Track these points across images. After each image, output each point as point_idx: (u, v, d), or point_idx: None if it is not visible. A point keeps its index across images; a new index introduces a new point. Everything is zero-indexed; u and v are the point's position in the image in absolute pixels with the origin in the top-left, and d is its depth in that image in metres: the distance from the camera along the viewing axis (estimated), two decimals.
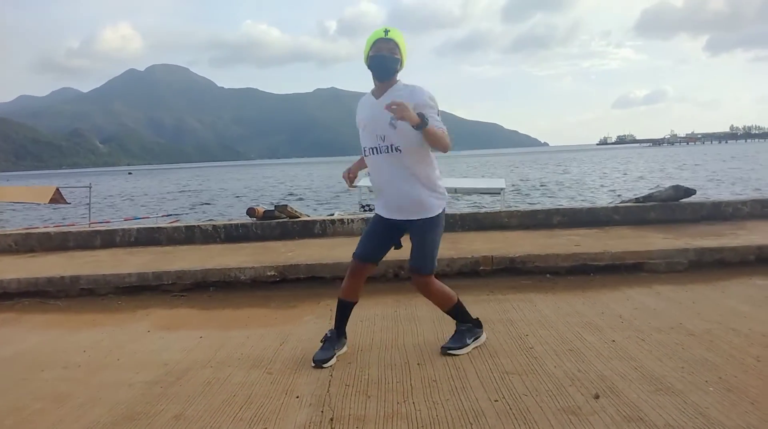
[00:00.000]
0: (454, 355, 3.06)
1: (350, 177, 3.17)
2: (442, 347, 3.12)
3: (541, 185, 32.87)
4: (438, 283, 3.09)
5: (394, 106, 2.66)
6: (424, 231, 2.97)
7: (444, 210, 3.04)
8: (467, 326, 3.19)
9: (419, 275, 2.99)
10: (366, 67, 2.95)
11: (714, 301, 3.82)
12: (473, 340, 3.16)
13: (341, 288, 3.17)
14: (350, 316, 3.21)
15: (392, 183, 2.96)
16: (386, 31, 2.88)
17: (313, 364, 3.00)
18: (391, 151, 2.90)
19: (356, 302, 3.20)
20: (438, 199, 3.00)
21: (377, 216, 3.13)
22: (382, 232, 3.09)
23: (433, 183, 2.99)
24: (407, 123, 2.71)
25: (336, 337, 3.15)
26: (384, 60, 2.87)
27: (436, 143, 2.83)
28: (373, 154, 2.96)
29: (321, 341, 3.15)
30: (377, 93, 2.97)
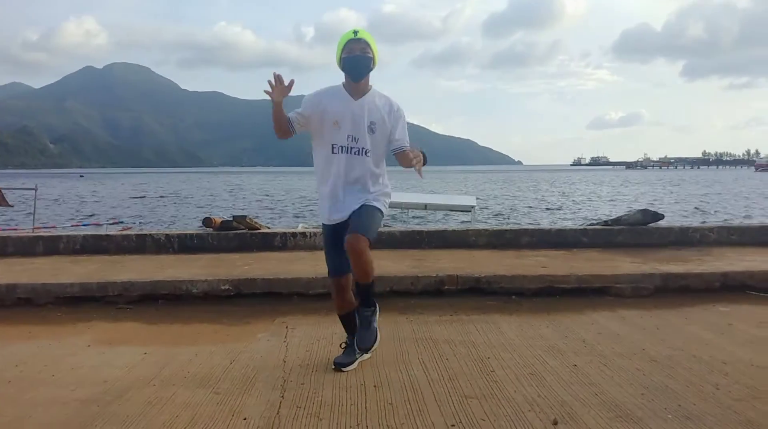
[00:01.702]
0: (373, 350, 3.24)
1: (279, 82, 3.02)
2: (359, 345, 3.20)
3: (511, 209, 33.39)
4: (370, 254, 3.06)
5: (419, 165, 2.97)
6: (371, 208, 3.11)
7: (383, 213, 3.21)
8: (371, 310, 3.24)
9: (361, 237, 2.97)
10: (340, 69, 3.11)
11: (677, 327, 3.93)
12: (376, 320, 3.27)
13: (335, 306, 3.32)
14: (306, 336, 3.25)
15: (355, 184, 3.12)
16: (355, 32, 3.05)
17: (333, 367, 3.16)
18: (360, 154, 3.10)
19: (355, 309, 3.28)
20: (385, 204, 3.22)
21: (326, 228, 3.22)
22: (335, 241, 3.15)
23: (384, 192, 3.22)
24: (383, 129, 3.09)
25: (350, 341, 3.29)
26: (358, 60, 3.05)
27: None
28: (340, 152, 3.10)
29: (341, 346, 3.32)
30: (354, 93, 3.11)
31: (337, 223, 3.15)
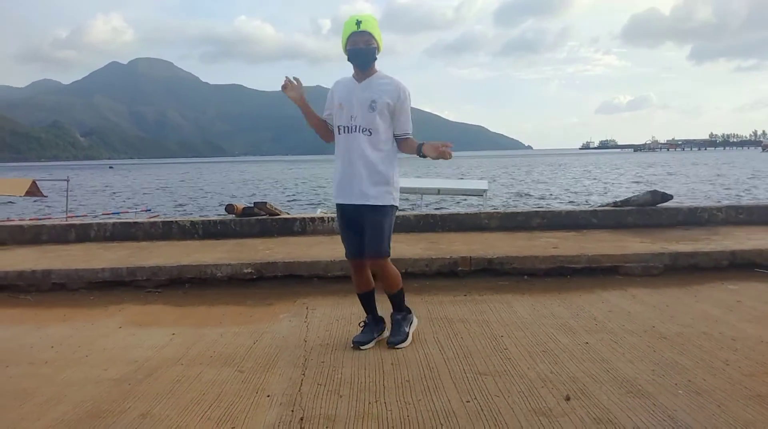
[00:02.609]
0: (401, 348, 3.17)
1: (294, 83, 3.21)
2: (388, 342, 3.21)
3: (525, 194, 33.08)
4: (392, 266, 3.21)
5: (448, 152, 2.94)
6: (379, 217, 3.08)
7: (395, 207, 3.17)
8: (402, 315, 3.30)
9: (378, 258, 3.10)
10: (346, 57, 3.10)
11: (687, 305, 3.86)
12: (410, 327, 3.31)
13: (354, 285, 3.36)
14: (326, 316, 3.26)
15: (356, 162, 3.07)
16: (358, 23, 3.01)
17: (351, 345, 3.18)
18: (358, 131, 3.06)
19: (374, 288, 3.34)
20: (390, 194, 3.12)
21: (337, 208, 3.21)
22: (351, 224, 3.17)
23: (390, 177, 3.11)
24: (384, 109, 3.04)
25: (374, 322, 3.32)
26: (362, 53, 3.05)
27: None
28: (344, 132, 3.11)
29: (359, 325, 3.33)
30: (359, 78, 3.13)
31: (345, 206, 3.14)
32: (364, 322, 3.34)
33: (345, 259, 3.35)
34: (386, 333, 3.33)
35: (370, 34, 3.02)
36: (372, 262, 3.14)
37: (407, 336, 3.25)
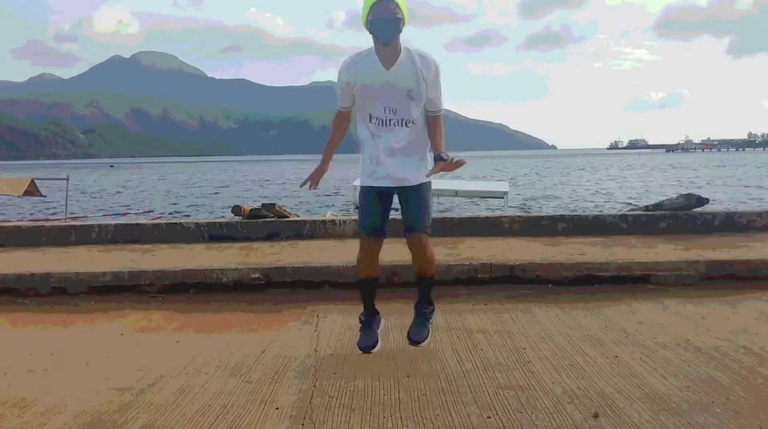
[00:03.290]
0: (423, 344, 3.21)
1: (314, 182, 3.33)
2: (413, 340, 3.21)
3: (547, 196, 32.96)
4: (433, 248, 3.21)
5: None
6: (423, 193, 3.15)
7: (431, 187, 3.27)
8: (431, 308, 3.34)
9: (424, 234, 3.10)
10: (367, 31, 2.96)
11: (724, 317, 3.81)
12: (432, 318, 3.38)
13: (358, 268, 3.29)
14: (338, 324, 3.40)
15: (398, 152, 3.08)
16: None
17: (360, 351, 3.18)
18: (402, 124, 3.06)
19: (378, 277, 3.35)
20: (428, 169, 3.12)
21: (368, 189, 3.17)
22: (374, 202, 3.17)
23: (426, 153, 3.18)
24: (422, 93, 3.00)
25: (372, 317, 3.35)
26: (387, 23, 2.88)
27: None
28: (381, 125, 3.07)
29: (360, 328, 3.32)
30: (385, 60, 2.97)
31: (379, 190, 3.15)
32: (361, 319, 3.33)
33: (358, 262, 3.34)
34: (381, 325, 3.41)
35: (396, 3, 2.87)
36: (420, 237, 3.09)
37: (429, 331, 3.29)
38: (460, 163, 2.95)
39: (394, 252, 4.76)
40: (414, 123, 3.07)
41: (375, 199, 3.16)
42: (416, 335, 3.22)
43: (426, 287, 3.31)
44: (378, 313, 3.40)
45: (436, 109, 3.11)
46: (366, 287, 3.34)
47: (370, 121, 3.09)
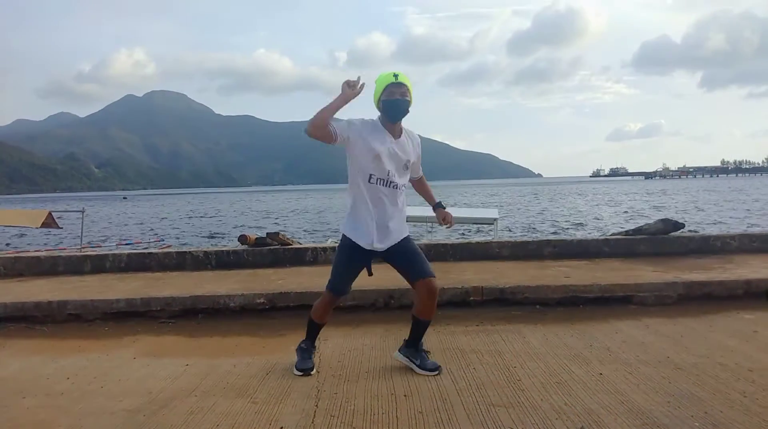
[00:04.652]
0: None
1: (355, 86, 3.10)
2: (436, 369, 3.25)
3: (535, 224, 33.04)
4: None
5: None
6: (414, 244, 3.31)
7: None
8: (427, 351, 3.40)
9: (434, 278, 3.21)
10: (377, 109, 3.15)
11: (702, 335, 3.83)
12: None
13: (316, 313, 3.43)
14: (338, 347, 3.52)
15: (389, 213, 3.18)
16: (396, 76, 3.08)
17: (299, 373, 3.28)
18: (397, 188, 3.20)
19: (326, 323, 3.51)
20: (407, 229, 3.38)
21: (356, 249, 3.20)
22: (358, 265, 3.26)
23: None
24: (410, 169, 3.28)
25: (312, 346, 3.49)
26: (399, 104, 3.09)
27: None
28: (378, 184, 3.15)
29: (296, 352, 3.45)
30: (392, 132, 3.17)
31: (373, 250, 3.20)
32: (302, 347, 3.44)
33: (357, 289, 3.40)
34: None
35: (406, 87, 3.09)
36: (435, 282, 3.20)
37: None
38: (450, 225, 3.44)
39: (389, 277, 4.78)
40: (404, 188, 3.27)
41: (358, 261, 3.23)
42: (434, 365, 3.27)
43: (424, 330, 3.34)
44: (316, 346, 3.54)
45: (420, 173, 3.48)
46: (317, 328, 3.47)
47: (370, 180, 3.15)
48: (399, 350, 3.40)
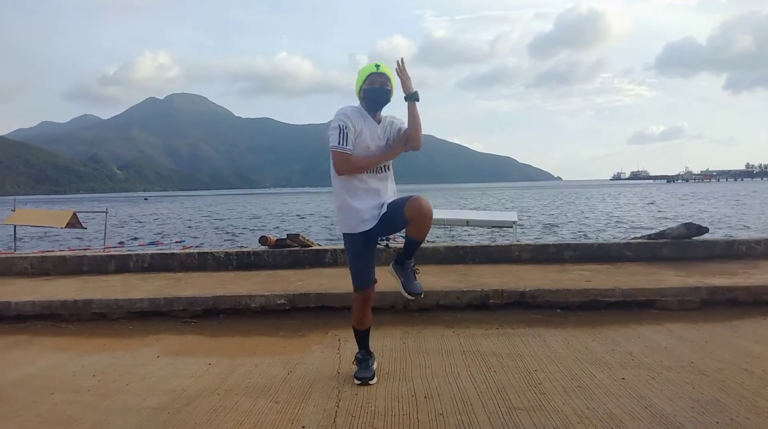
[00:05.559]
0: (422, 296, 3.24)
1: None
2: (417, 293, 3.20)
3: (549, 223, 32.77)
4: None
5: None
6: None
7: None
8: (416, 268, 3.31)
9: (419, 197, 3.06)
10: (358, 98, 3.16)
11: (726, 341, 3.77)
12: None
13: (354, 319, 3.30)
14: (355, 350, 3.43)
15: (381, 194, 3.17)
16: (377, 66, 3.11)
17: (358, 382, 3.16)
18: (383, 170, 3.20)
19: (372, 323, 3.39)
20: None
21: (357, 237, 3.15)
22: (366, 249, 3.19)
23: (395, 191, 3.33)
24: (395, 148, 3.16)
25: (368, 354, 3.35)
26: (379, 93, 3.11)
27: (419, 125, 3.15)
28: (372, 172, 3.15)
29: (354, 363, 3.34)
30: (375, 118, 3.16)
31: (369, 230, 3.14)
32: (358, 358, 3.32)
33: (377, 291, 3.34)
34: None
35: (387, 77, 3.10)
36: (417, 198, 2.98)
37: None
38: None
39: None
40: (389, 169, 3.26)
41: (365, 246, 3.19)
42: (416, 288, 3.19)
43: (415, 246, 3.21)
44: (372, 353, 3.40)
45: (406, 134, 3.19)
46: (362, 336, 3.35)
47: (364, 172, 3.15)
48: (391, 264, 3.30)
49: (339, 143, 3.02)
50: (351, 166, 3.06)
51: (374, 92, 3.10)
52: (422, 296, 3.24)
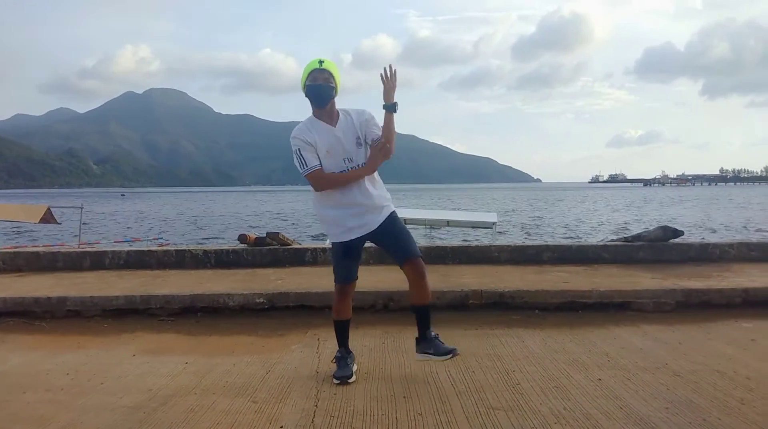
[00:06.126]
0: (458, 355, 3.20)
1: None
2: (449, 351, 3.18)
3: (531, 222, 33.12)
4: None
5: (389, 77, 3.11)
6: (398, 222, 3.24)
7: None
8: (436, 334, 3.28)
9: (421, 260, 3.14)
10: (305, 95, 3.15)
11: (700, 343, 3.84)
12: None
13: (335, 310, 3.33)
14: (334, 349, 3.40)
15: (360, 197, 3.14)
16: (320, 62, 3.11)
17: (337, 381, 3.15)
18: (355, 169, 3.14)
19: (350, 318, 3.39)
20: (390, 201, 3.32)
21: (341, 245, 3.20)
22: (350, 253, 3.23)
23: (384, 190, 3.30)
24: (363, 138, 3.15)
25: (347, 353, 3.33)
26: (320, 89, 3.10)
27: (392, 135, 3.13)
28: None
29: (333, 361, 3.32)
30: (328, 120, 3.15)
31: (354, 240, 3.18)
32: (337, 357, 3.30)
33: (357, 291, 3.40)
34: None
35: (330, 73, 3.09)
36: (419, 261, 3.13)
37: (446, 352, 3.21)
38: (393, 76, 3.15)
39: (390, 279, 4.80)
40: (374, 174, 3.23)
41: (350, 251, 3.22)
42: (442, 350, 3.19)
43: (425, 314, 3.26)
44: (351, 352, 3.38)
45: (380, 132, 3.17)
46: (343, 329, 3.35)
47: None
48: (416, 351, 3.29)
49: (302, 166, 3.09)
50: (325, 181, 3.11)
51: (316, 89, 3.09)
52: (457, 352, 3.20)
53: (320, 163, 3.10)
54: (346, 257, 3.23)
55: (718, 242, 6.77)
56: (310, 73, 3.09)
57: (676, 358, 3.50)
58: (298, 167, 3.10)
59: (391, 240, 3.19)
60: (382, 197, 3.24)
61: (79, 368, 3.50)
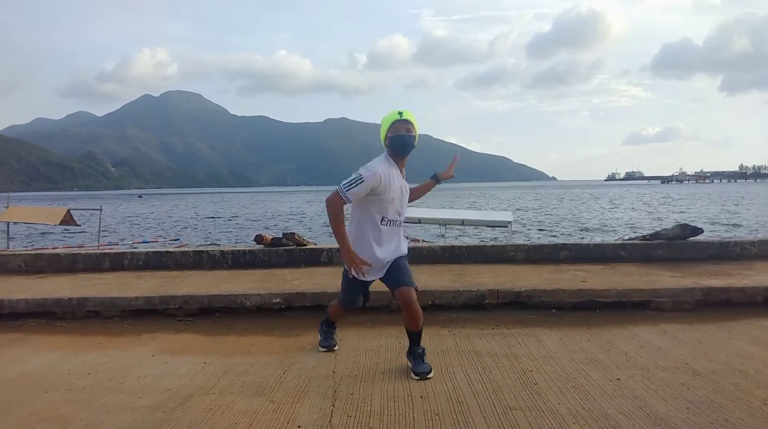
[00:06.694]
0: (428, 378, 3.21)
1: (362, 264, 3.23)
2: (417, 373, 3.23)
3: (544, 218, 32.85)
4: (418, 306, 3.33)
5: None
6: (403, 261, 3.40)
7: None
8: (423, 349, 3.36)
9: (412, 289, 3.26)
10: (384, 145, 3.25)
11: (720, 342, 3.79)
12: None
13: (331, 312, 3.75)
14: (353, 348, 3.72)
15: (392, 246, 3.34)
16: (400, 113, 3.19)
17: (323, 349, 3.69)
18: (400, 225, 3.39)
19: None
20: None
21: (361, 280, 3.33)
22: (360, 287, 3.44)
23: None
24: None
25: (332, 326, 3.81)
26: (405, 139, 3.20)
27: (420, 196, 3.66)
28: (389, 225, 3.29)
29: (320, 331, 3.83)
30: (400, 169, 3.32)
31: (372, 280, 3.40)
32: (323, 330, 3.80)
33: (372, 291, 3.55)
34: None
35: (411, 124, 3.20)
36: (409, 289, 3.24)
37: (430, 367, 3.29)
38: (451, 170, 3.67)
39: None
40: (402, 224, 3.43)
41: (362, 284, 3.39)
42: (422, 368, 3.25)
43: (414, 336, 3.36)
44: (334, 323, 3.81)
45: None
46: (333, 325, 3.83)
47: (381, 221, 3.27)
48: (405, 352, 3.50)
49: (349, 186, 3.12)
50: (335, 210, 3.17)
51: (400, 139, 3.20)
52: (429, 376, 3.23)
53: (354, 198, 3.16)
54: (356, 291, 3.45)
55: (739, 240, 6.67)
56: (392, 125, 3.20)
57: (696, 358, 3.45)
58: (346, 181, 3.13)
59: (390, 272, 3.32)
60: (402, 243, 3.45)
61: (99, 368, 3.55)
